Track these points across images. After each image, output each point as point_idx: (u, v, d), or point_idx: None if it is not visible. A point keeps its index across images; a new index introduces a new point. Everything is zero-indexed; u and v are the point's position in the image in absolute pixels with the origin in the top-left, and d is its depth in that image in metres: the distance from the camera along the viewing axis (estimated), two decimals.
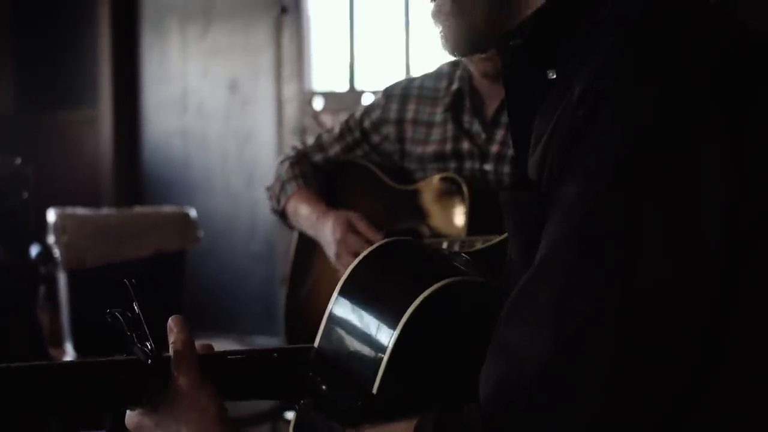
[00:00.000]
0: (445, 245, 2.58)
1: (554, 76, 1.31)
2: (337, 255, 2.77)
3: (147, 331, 1.39)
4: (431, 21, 1.43)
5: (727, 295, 1.12)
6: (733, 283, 1.12)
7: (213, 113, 6.72)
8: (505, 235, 1.44)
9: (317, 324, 1.49)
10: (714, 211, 1.09)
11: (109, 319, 1.39)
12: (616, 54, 1.16)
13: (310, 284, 3.07)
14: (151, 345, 1.39)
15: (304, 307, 3.07)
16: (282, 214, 3.04)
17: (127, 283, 1.42)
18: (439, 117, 2.85)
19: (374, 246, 1.53)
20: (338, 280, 1.50)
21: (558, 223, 1.14)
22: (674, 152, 1.09)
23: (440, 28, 1.41)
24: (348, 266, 1.52)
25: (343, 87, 6.35)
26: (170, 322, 1.44)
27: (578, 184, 1.13)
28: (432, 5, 1.42)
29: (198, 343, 1.45)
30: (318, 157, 3.05)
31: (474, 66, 2.73)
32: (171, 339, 1.42)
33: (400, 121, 2.93)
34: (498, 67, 2.63)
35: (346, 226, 2.78)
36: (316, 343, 1.50)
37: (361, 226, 2.78)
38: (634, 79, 1.13)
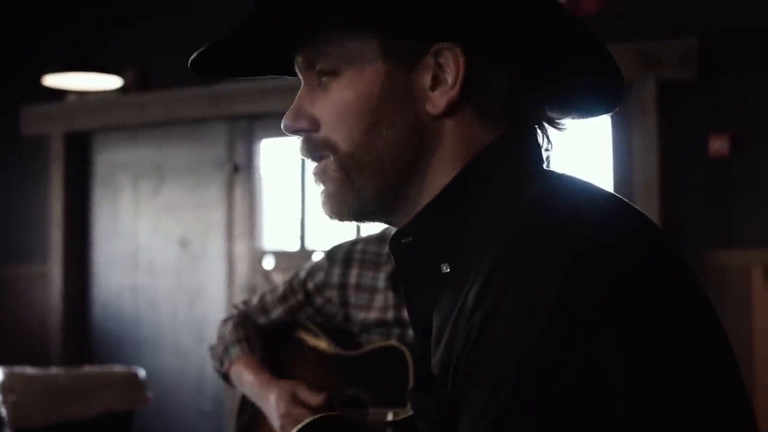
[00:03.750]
0: (390, 416, 2.59)
1: (448, 270, 1.30)
2: (282, 428, 2.76)
3: None
4: (313, 179, 1.37)
5: None
6: None
7: (164, 270, 6.74)
8: None
9: None
10: (620, 397, 1.08)
11: None
12: (505, 252, 1.15)
13: None
14: None
15: None
16: (225, 377, 3.04)
17: None
18: (381, 283, 2.85)
19: (306, 422, 1.52)
20: None
21: (467, 428, 1.13)
22: (572, 347, 1.09)
23: (323, 188, 1.35)
24: None
25: (294, 246, 6.41)
26: None
27: (483, 389, 1.11)
28: (316, 164, 1.36)
29: None
30: (262, 320, 3.05)
31: None
32: None
33: (343, 286, 2.93)
34: None
35: (289, 400, 2.76)
36: None
37: (305, 396, 2.77)
38: (524, 279, 1.12)
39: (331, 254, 3.00)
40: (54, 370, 5.16)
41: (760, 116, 5.29)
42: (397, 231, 1.34)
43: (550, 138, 1.37)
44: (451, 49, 1.27)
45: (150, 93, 6.66)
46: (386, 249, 2.88)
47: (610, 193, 1.27)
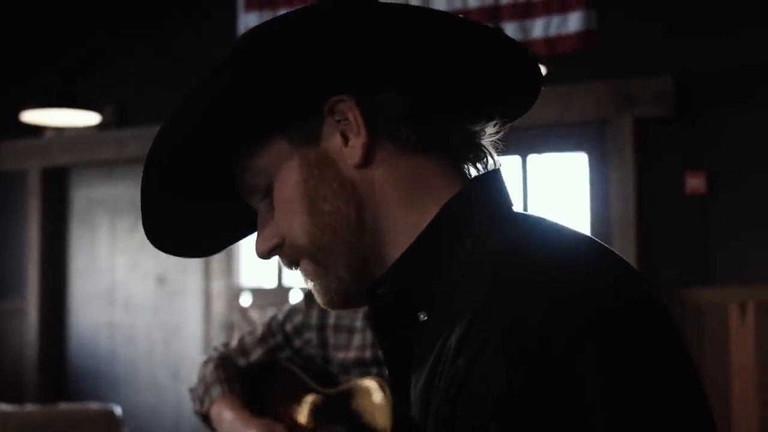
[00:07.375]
0: None
1: (425, 318, 1.29)
2: None
3: None
4: (304, 282, 1.37)
5: None
6: None
7: (140, 306, 6.72)
8: None
9: None
10: None
11: None
12: (485, 301, 1.15)
13: None
14: None
15: None
16: (205, 417, 3.03)
17: None
18: (359, 323, 2.87)
19: None
20: None
21: None
22: (557, 391, 1.09)
23: (312, 285, 1.36)
24: None
25: (271, 283, 6.40)
26: None
27: None
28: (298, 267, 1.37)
29: None
30: (241, 361, 3.06)
31: None
32: None
33: (321, 327, 2.94)
34: None
35: None
36: None
37: None
38: (504, 329, 1.12)
39: (309, 295, 3.00)
40: (29, 407, 5.13)
41: (737, 154, 5.32)
42: (373, 281, 1.33)
43: (495, 160, 1.37)
44: (341, 101, 1.28)
45: (127, 129, 6.66)
46: None
47: (587, 236, 1.27)
